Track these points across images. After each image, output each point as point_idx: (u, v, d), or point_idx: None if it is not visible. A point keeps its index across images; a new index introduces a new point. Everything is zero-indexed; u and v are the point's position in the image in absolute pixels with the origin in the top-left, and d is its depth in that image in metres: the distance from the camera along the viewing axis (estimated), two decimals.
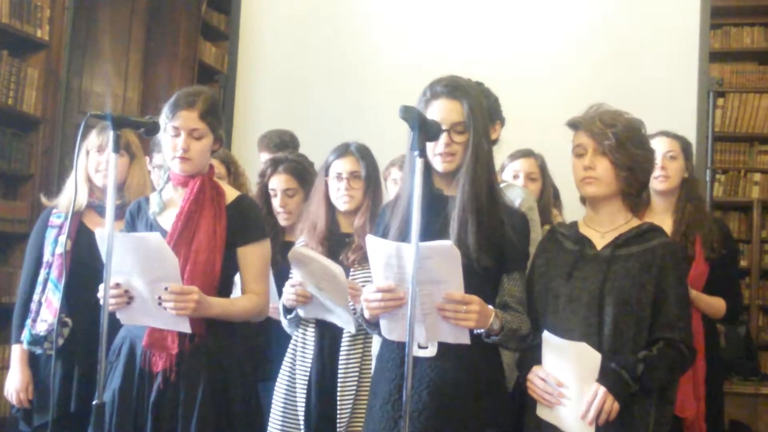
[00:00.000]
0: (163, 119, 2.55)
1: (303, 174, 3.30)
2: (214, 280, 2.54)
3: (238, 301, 2.63)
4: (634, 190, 2.36)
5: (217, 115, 2.63)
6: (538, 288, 2.39)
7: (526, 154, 3.57)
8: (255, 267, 2.64)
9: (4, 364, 4.46)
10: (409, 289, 2.04)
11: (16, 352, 3.05)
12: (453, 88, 2.33)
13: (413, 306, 2.04)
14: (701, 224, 3.10)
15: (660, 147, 3.11)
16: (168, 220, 2.59)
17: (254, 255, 2.63)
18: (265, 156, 3.81)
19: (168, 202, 2.64)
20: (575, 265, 2.33)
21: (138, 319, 2.49)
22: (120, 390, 2.51)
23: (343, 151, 3.03)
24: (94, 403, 2.24)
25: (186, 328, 2.44)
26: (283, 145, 3.91)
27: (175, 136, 2.54)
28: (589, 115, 2.36)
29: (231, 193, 2.68)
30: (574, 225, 2.45)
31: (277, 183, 3.27)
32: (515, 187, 2.73)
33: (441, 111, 2.31)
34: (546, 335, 2.27)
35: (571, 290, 2.30)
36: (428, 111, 2.31)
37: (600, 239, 2.36)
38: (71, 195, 2.95)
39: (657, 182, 3.13)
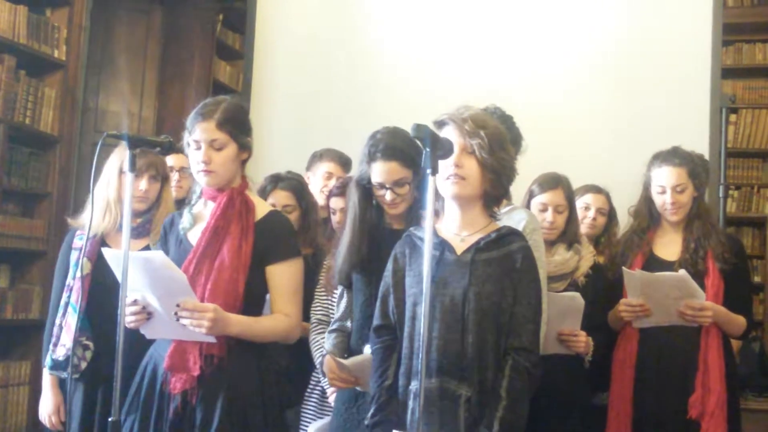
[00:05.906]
0: (186, 135, 2.50)
1: (301, 192, 3.41)
2: (237, 300, 2.42)
3: (264, 321, 2.51)
4: (497, 195, 2.31)
5: (239, 123, 2.51)
6: (397, 295, 2.32)
7: (598, 189, 3.58)
8: (284, 287, 2.51)
9: (20, 380, 4.50)
10: (425, 293, 2.08)
11: (47, 376, 3.03)
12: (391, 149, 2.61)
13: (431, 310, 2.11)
14: (709, 237, 3.08)
15: (668, 180, 3.09)
16: (197, 235, 2.51)
17: (284, 274, 2.51)
18: (331, 167, 3.87)
19: (197, 217, 2.57)
20: (435, 270, 2.22)
21: (162, 333, 2.43)
22: (141, 412, 2.44)
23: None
24: (110, 420, 2.23)
25: (211, 339, 2.35)
26: (347, 162, 3.91)
27: (196, 149, 2.47)
28: (459, 114, 2.27)
29: (262, 208, 2.58)
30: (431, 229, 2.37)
31: (276, 199, 3.34)
32: (519, 210, 2.74)
33: (382, 173, 2.59)
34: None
35: (432, 296, 2.18)
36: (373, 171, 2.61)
37: (459, 243, 2.29)
38: (98, 216, 2.93)
39: (669, 214, 3.11)
